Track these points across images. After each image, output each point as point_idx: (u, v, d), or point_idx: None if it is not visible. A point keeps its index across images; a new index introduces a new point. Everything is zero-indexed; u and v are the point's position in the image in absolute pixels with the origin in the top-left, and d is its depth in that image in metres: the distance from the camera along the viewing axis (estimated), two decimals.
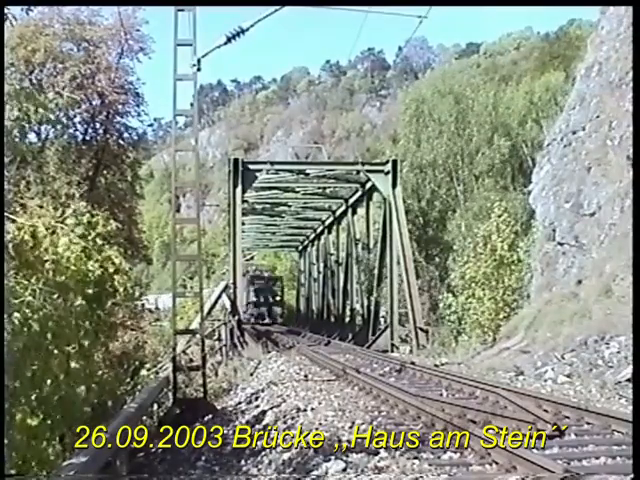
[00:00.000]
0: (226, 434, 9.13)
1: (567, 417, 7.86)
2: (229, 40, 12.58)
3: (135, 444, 8.51)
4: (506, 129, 32.21)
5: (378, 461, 6.09)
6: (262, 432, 8.45)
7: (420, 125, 32.87)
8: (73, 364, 5.79)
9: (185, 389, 11.98)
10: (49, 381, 5.28)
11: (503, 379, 11.73)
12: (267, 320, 44.69)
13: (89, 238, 6.38)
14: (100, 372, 7.25)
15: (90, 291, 6.43)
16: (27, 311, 4.90)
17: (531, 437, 6.88)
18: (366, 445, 6.66)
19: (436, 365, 14.17)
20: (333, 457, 6.24)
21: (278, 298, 47.88)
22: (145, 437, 9.43)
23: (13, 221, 5.47)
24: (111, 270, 6.63)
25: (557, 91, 31.33)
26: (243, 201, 24.21)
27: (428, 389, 10.52)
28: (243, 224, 26.80)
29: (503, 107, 33.28)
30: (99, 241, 6.64)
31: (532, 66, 54.68)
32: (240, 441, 8.45)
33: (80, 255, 6.10)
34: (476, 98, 32.74)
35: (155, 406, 10.56)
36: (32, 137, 17.09)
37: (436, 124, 32.15)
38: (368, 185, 25.39)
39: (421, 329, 20.47)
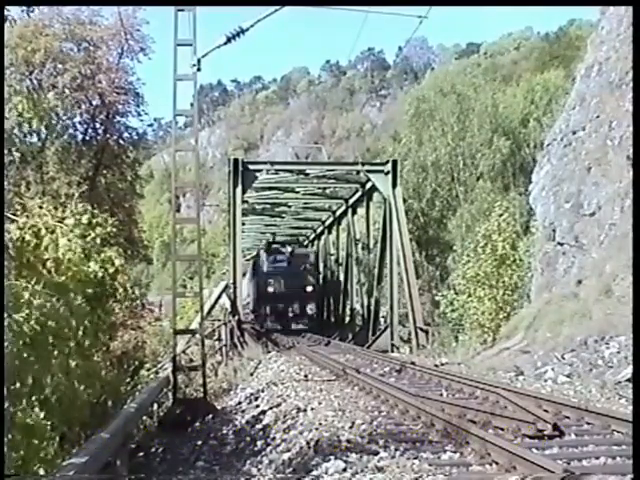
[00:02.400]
0: (226, 434, 9.14)
1: (567, 417, 7.86)
2: (229, 40, 12.56)
3: (135, 444, 8.52)
4: (507, 129, 32.23)
5: (378, 461, 6.09)
6: (262, 432, 8.45)
7: (422, 124, 32.88)
8: (73, 364, 5.79)
9: (185, 389, 11.97)
10: (49, 381, 5.29)
11: (503, 379, 11.72)
12: (289, 323, 30.02)
13: (89, 239, 6.39)
14: (100, 372, 7.25)
15: (90, 291, 6.43)
16: (27, 311, 4.90)
17: (531, 437, 6.90)
18: (366, 445, 6.67)
19: (436, 365, 14.17)
20: (333, 457, 6.24)
21: (310, 288, 30.52)
22: (145, 437, 9.45)
23: (13, 221, 5.48)
24: (111, 270, 6.63)
25: (557, 90, 31.33)
26: (243, 201, 24.21)
27: (428, 389, 10.52)
28: (243, 224, 26.77)
29: (504, 107, 33.31)
30: (99, 241, 6.64)
31: (532, 66, 54.71)
32: (240, 441, 8.46)
33: (80, 255, 6.10)
34: (478, 98, 32.76)
35: (155, 406, 10.56)
36: (32, 138, 17.10)
37: (438, 124, 32.17)
38: (368, 185, 25.38)
39: (421, 329, 20.45)
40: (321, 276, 33.71)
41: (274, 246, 33.04)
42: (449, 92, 33.39)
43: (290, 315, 29.89)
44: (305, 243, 37.50)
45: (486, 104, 32.22)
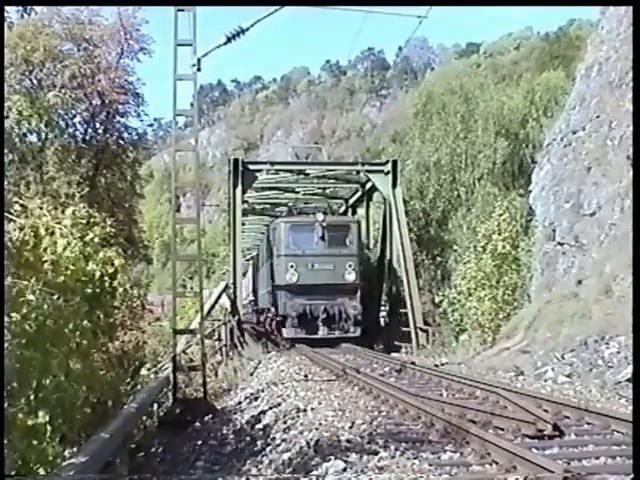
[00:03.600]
0: (226, 434, 9.14)
1: (567, 417, 7.87)
2: (229, 40, 12.55)
3: (135, 444, 8.52)
4: (509, 130, 32.19)
5: (378, 461, 6.09)
6: (262, 432, 8.45)
7: (427, 122, 32.84)
8: (73, 364, 5.79)
9: (185, 389, 11.98)
10: (49, 381, 5.29)
11: (503, 379, 11.74)
12: (322, 331, 20.57)
13: (87, 239, 6.39)
14: (100, 372, 7.25)
15: (90, 291, 6.43)
16: (27, 311, 4.90)
17: (531, 437, 6.90)
18: (366, 445, 6.67)
19: (436, 365, 14.18)
20: (333, 457, 6.24)
21: (352, 276, 21.39)
22: (145, 437, 9.44)
23: (12, 221, 5.48)
24: (110, 270, 6.63)
25: (558, 90, 31.33)
26: (243, 201, 24.20)
27: (428, 389, 10.52)
28: (243, 224, 26.75)
29: (506, 107, 33.26)
30: (97, 241, 6.64)
31: (532, 66, 54.70)
32: (240, 441, 8.46)
33: (79, 256, 6.10)
34: (484, 99, 32.73)
35: (155, 406, 10.56)
36: (32, 137, 17.13)
37: (442, 123, 32.13)
38: (368, 185, 25.38)
39: (421, 329, 20.45)
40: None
41: (294, 218, 23.01)
42: (456, 91, 33.33)
43: (322, 317, 20.35)
44: (342, 210, 27.93)
45: (492, 105, 32.15)
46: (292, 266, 21.01)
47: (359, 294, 21.42)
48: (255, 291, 31.81)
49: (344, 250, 21.57)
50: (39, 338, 5.06)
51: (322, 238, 21.46)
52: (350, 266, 21.28)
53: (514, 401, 8.31)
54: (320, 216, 22.13)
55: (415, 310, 21.12)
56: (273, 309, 22.46)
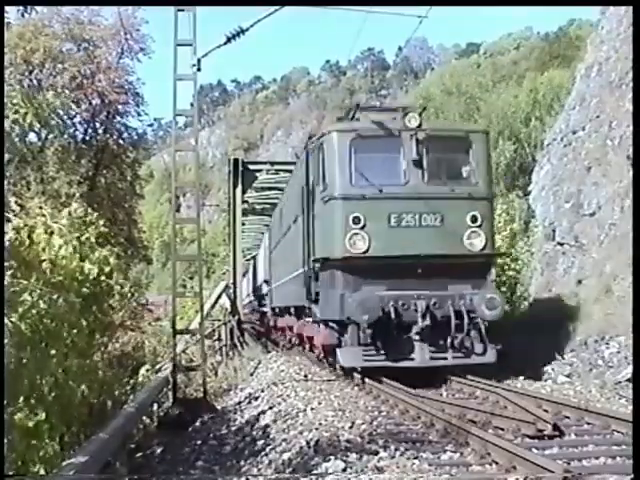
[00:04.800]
0: (226, 434, 9.13)
1: (567, 417, 7.86)
2: (229, 40, 12.52)
3: (135, 444, 8.52)
4: (512, 130, 32.12)
5: (378, 461, 6.08)
6: (262, 432, 8.45)
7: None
8: (72, 364, 5.79)
9: (185, 389, 11.98)
10: (48, 381, 5.28)
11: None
12: (421, 353, 10.19)
13: (83, 238, 6.39)
14: (99, 372, 7.25)
15: (87, 290, 6.44)
16: (24, 310, 4.90)
17: (531, 437, 6.89)
18: (366, 445, 6.67)
19: None
20: (333, 457, 6.23)
21: (479, 241, 10.59)
22: (145, 437, 9.45)
23: (11, 221, 5.48)
24: (107, 270, 6.63)
25: (562, 89, 31.30)
26: (243, 201, 24.22)
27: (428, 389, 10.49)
28: (243, 224, 26.75)
29: (509, 107, 33.21)
30: (94, 240, 6.65)
31: (532, 66, 54.65)
32: (240, 441, 8.46)
33: (76, 255, 6.10)
34: (483, 98, 32.69)
35: (155, 406, 10.56)
36: (32, 137, 17.12)
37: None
38: None
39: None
40: None
41: (360, 124, 11.15)
42: (454, 92, 33.31)
43: (421, 324, 10.15)
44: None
45: (497, 105, 32.09)
46: (357, 221, 10.56)
47: (494, 276, 11.23)
48: (256, 289, 29.28)
49: (462, 188, 11.02)
50: (36, 337, 5.06)
51: (418, 164, 10.80)
52: (475, 221, 10.83)
53: (514, 401, 8.31)
54: (413, 120, 10.95)
55: None
56: (315, 309, 11.95)
